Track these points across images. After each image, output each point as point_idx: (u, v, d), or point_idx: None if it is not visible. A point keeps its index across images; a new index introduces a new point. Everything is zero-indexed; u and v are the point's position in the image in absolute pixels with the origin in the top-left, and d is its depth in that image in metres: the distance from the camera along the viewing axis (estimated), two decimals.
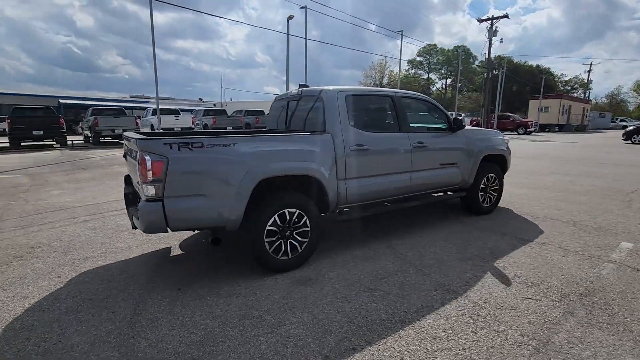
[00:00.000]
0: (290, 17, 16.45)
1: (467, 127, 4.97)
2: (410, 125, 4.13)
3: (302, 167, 3.16)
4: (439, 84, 63.33)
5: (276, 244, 3.09)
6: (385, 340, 2.22)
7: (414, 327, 2.35)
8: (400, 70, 30.79)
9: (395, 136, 3.89)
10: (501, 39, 27.13)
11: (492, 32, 26.10)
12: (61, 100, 32.31)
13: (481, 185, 4.80)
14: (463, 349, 2.14)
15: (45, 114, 15.49)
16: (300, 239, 3.24)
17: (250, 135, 3.07)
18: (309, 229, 3.26)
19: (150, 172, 2.52)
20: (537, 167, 9.52)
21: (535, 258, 3.44)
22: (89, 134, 17.12)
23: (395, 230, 4.32)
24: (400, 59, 27.34)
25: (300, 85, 4.04)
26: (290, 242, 3.19)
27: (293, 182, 3.26)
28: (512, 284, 2.93)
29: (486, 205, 4.94)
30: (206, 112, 20.92)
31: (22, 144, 15.42)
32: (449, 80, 57.97)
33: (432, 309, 2.57)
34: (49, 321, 2.49)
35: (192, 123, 19.77)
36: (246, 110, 21.96)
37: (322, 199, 3.37)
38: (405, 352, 2.11)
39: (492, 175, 4.91)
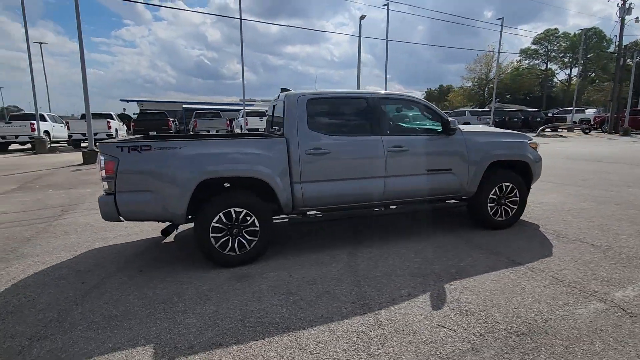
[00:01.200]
0: (362, 17, 16.27)
1: (475, 127, 4.43)
2: (393, 127, 3.90)
3: (245, 169, 3.33)
4: (561, 75, 54.26)
5: (222, 240, 3.34)
6: (254, 342, 2.27)
7: (292, 336, 2.33)
8: (499, 63, 27.24)
9: (364, 139, 3.73)
10: (637, 18, 21.79)
11: (624, 10, 21.22)
12: (184, 105, 38.07)
13: (491, 195, 4.20)
14: None
15: (159, 118, 18.65)
16: (248, 237, 3.42)
17: (199, 140, 3.38)
18: (257, 228, 3.42)
19: (104, 170, 3.04)
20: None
21: (503, 284, 2.93)
22: (192, 133, 19.99)
23: (372, 236, 4.14)
24: (499, 51, 24.23)
25: (282, 90, 4.18)
26: (238, 239, 3.39)
27: (244, 184, 3.45)
28: (442, 308, 2.59)
29: (499, 218, 4.29)
30: None
31: None
32: (574, 70, 49.09)
33: (328, 320, 2.48)
34: (40, 283, 3.22)
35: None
36: None
37: (274, 201, 3.48)
38: (260, 357, 2.13)
39: (507, 184, 4.24)
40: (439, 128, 4.02)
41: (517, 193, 4.31)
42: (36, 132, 16.35)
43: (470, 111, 27.49)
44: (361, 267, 3.35)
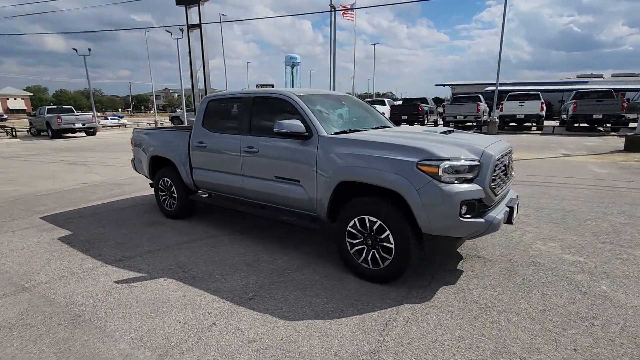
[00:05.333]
0: None
1: (373, 134, 3.25)
2: (259, 127, 3.78)
3: (163, 152, 4.69)
4: None
5: (163, 198, 4.97)
6: (68, 250, 3.94)
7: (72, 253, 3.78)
8: None
9: (228, 137, 3.94)
10: None
11: None
12: (486, 89, 36.30)
13: (349, 229, 3.03)
14: None
15: (411, 105, 20.00)
16: (173, 201, 4.83)
17: (161, 129, 5.02)
18: (175, 195, 4.76)
19: (131, 143, 5.46)
20: None
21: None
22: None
23: (266, 236, 4.22)
24: None
25: (256, 86, 4.90)
26: (170, 200, 4.90)
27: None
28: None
29: (364, 265, 3.00)
30: None
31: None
32: None
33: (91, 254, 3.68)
34: (65, 219, 6.24)
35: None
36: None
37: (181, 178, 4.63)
38: (55, 257, 3.80)
39: (373, 219, 2.86)
40: (304, 131, 3.36)
41: (391, 237, 2.80)
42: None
43: None
44: (184, 249, 3.91)
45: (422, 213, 2.61)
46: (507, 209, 2.93)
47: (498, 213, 2.77)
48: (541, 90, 20.76)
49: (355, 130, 3.50)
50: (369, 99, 25.65)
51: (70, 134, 21.06)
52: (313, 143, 3.23)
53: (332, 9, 15.92)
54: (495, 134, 16.49)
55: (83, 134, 21.28)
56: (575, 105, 15.70)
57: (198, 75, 28.10)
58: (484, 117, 18.52)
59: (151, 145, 4.97)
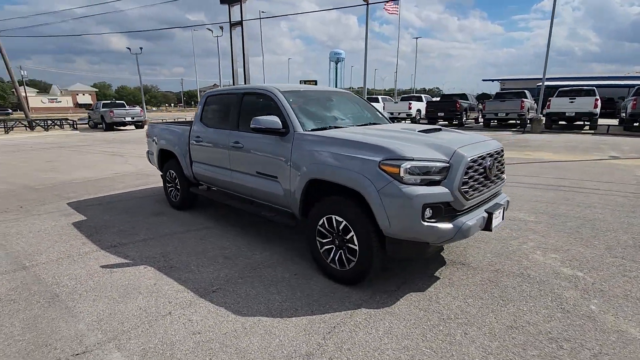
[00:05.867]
0: None
1: (346, 131, 3.16)
2: (246, 122, 3.81)
3: (169, 146, 4.90)
4: None
5: (169, 189, 5.22)
6: (78, 237, 4.27)
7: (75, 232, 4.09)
8: None
9: (220, 132, 4.02)
10: None
11: None
12: (538, 84, 33.84)
13: (319, 227, 2.98)
14: None
15: (449, 101, 19.12)
16: (177, 192, 5.05)
17: (169, 124, 5.24)
18: (179, 187, 4.97)
19: (145, 134, 5.77)
20: None
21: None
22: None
23: (252, 230, 4.27)
24: None
25: (300, 82, 4.98)
26: (175, 192, 5.13)
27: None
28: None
29: (332, 265, 2.93)
30: None
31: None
32: None
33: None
34: (84, 206, 6.62)
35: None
36: None
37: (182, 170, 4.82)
38: (68, 238, 4.15)
39: (339, 219, 2.79)
40: (280, 127, 3.32)
41: (355, 238, 2.71)
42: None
43: None
44: (175, 239, 4.08)
45: (382, 215, 2.49)
46: (485, 215, 2.71)
47: (471, 219, 2.58)
48: (604, 86, 18.86)
49: (337, 127, 3.42)
50: (406, 95, 24.95)
51: (122, 127, 22.76)
52: (289, 140, 3.20)
53: (366, 3, 15.61)
54: (540, 133, 15.29)
55: (133, 127, 22.89)
56: (635, 102, 14.07)
57: (239, 71, 28.84)
58: (530, 114, 17.21)
59: (161, 138, 5.23)
